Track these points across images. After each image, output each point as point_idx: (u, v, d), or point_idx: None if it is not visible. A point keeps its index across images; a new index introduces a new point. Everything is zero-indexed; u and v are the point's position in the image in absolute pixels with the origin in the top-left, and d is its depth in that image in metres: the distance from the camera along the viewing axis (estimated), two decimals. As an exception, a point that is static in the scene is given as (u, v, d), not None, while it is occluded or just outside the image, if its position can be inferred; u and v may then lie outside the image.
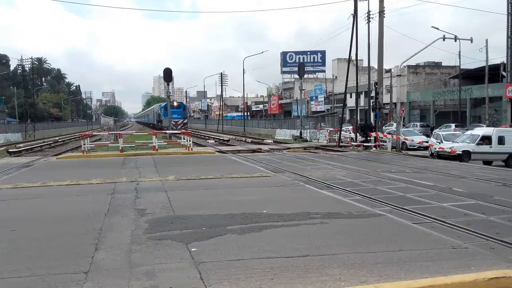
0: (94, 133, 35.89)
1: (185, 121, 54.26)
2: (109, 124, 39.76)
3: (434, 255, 5.33)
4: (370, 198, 9.80)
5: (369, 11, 31.38)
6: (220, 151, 23.11)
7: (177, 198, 9.22)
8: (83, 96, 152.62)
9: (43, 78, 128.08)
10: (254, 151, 25.98)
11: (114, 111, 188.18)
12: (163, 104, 61.44)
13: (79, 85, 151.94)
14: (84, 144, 22.16)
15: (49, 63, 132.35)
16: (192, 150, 22.56)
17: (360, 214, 7.61)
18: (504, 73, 43.08)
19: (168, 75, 28.72)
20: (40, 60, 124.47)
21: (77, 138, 44.95)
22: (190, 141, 23.14)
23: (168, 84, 32.30)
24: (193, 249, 5.53)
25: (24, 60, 72.28)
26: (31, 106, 74.37)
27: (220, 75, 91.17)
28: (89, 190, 10.59)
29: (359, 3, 29.68)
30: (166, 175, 12.79)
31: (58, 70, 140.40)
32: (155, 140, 22.55)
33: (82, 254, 5.45)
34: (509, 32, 41.47)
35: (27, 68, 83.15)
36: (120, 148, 21.78)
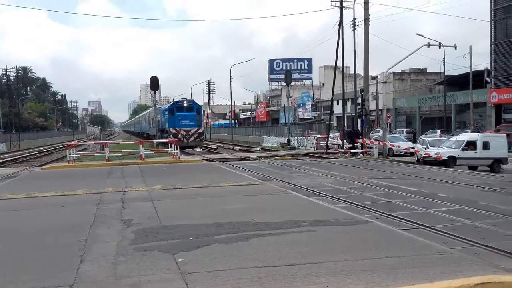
0: (80, 143, 35.60)
1: (200, 130, 37.58)
2: (95, 134, 39.46)
3: (421, 261, 5.36)
4: (357, 205, 9.84)
5: (354, 19, 31.76)
6: (207, 160, 23.04)
7: (163, 208, 9.14)
8: (69, 105, 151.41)
9: (28, 88, 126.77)
10: (242, 159, 25.96)
11: (100, 120, 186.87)
12: (166, 106, 44.58)
13: (64, 94, 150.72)
14: (70, 154, 21.92)
15: (34, 72, 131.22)
16: (179, 158, 22.45)
17: (347, 221, 7.63)
18: (488, 79, 43.82)
19: (154, 83, 28.67)
20: (25, 69, 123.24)
21: (62, 148, 44.47)
22: (177, 149, 23.04)
23: (154, 93, 32.97)
24: (179, 260, 5.48)
25: (9, 70, 71.57)
26: (16, 116, 73.53)
27: (207, 83, 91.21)
28: (75, 200, 10.46)
29: (344, 11, 30.05)
30: (152, 184, 12.70)
31: (44, 79, 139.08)
32: (141, 149, 22.39)
33: (67, 266, 5.37)
34: (492, 39, 42.25)
35: (11, 78, 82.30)
36: (106, 158, 21.58)
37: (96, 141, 29.07)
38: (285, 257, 5.53)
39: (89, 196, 11.05)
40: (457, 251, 5.91)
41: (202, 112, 44.08)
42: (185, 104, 37.83)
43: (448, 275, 4.75)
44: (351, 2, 30.53)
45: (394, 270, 4.99)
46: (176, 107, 37.39)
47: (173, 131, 35.22)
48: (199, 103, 45.53)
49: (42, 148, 47.79)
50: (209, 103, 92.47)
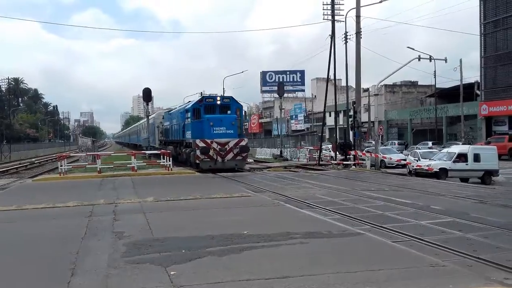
0: (71, 154, 35.35)
1: (243, 143, 23.55)
2: (87, 145, 38.93)
3: (413, 273, 5.37)
4: (349, 216, 9.85)
5: (346, 32, 32.09)
6: (200, 171, 22.97)
7: (156, 220, 9.10)
8: (61, 116, 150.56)
9: (20, 99, 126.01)
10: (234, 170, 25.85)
11: (92, 131, 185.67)
12: (186, 105, 27.71)
13: (56, 105, 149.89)
14: (61, 166, 21.77)
15: (25, 83, 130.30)
16: (172, 170, 22.38)
17: (340, 234, 7.64)
18: (478, 92, 44.33)
19: (147, 95, 28.63)
20: (16, 80, 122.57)
21: (54, 159, 44.17)
22: (170, 161, 22.98)
23: (147, 104, 31.97)
24: (172, 273, 5.45)
25: (1, 81, 71.26)
26: (7, 127, 73.07)
27: (200, 94, 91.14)
28: (66, 213, 10.38)
29: (336, 24, 30.35)
30: (145, 196, 12.64)
31: (35, 90, 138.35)
32: (134, 161, 22.30)
33: (58, 279, 5.32)
34: (482, 52, 42.85)
35: (3, 89, 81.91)
36: (98, 169, 21.46)
37: (88, 153, 28.91)
38: (278, 269, 5.52)
39: (80, 208, 10.97)
40: (449, 263, 5.94)
41: (243, 114, 30.34)
42: (219, 102, 24.46)
43: (441, 287, 4.77)
44: (343, 16, 30.92)
45: (386, 283, 5.00)
46: (205, 107, 24.06)
47: (202, 144, 22.39)
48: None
49: (33, 160, 47.44)
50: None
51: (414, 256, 6.23)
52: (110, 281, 5.23)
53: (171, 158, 23.38)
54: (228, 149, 22.86)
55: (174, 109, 31.84)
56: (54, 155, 55.30)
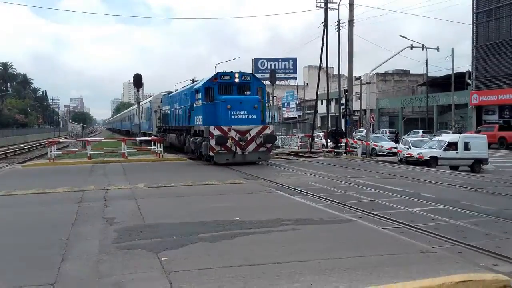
0: (61, 140, 35.06)
1: (267, 131, 19.17)
2: (77, 131, 38.42)
3: (404, 259, 5.41)
4: (341, 203, 9.89)
5: (339, 20, 31.91)
6: (191, 158, 22.91)
7: (147, 206, 9.06)
8: (50, 102, 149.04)
9: (9, 84, 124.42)
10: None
11: (82, 117, 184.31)
12: (196, 84, 21.85)
13: (45, 91, 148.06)
14: (51, 151, 21.59)
15: (14, 68, 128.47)
16: (163, 157, 22.30)
17: (331, 220, 7.67)
18: (469, 81, 44.58)
19: (138, 81, 28.33)
20: (5, 65, 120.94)
21: (43, 145, 43.77)
22: (161, 147, 22.88)
23: (138, 90, 31.58)
24: (163, 258, 5.44)
25: (-11, 65, 70.09)
26: (-4, 112, 72.06)
27: (191, 81, 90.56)
28: (56, 198, 10.30)
29: (329, 12, 30.18)
30: (136, 182, 12.58)
31: (24, 75, 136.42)
32: (124, 147, 22.16)
33: (48, 265, 5.28)
34: (474, 41, 42.99)
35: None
36: (88, 155, 21.31)
37: (78, 139, 28.67)
38: (269, 255, 5.53)
39: (70, 194, 10.89)
40: (439, 249, 5.99)
41: (266, 96, 24.94)
42: (237, 80, 19.67)
43: (431, 273, 4.81)
44: (336, 3, 30.74)
45: (377, 268, 5.03)
46: (220, 85, 19.51)
47: (217, 132, 18.24)
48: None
49: (22, 145, 46.99)
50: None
51: (405, 242, 6.27)
52: (101, 267, 5.20)
53: (162, 144, 23.28)
54: (249, 138, 18.58)
55: (176, 91, 26.93)
56: (43, 141, 54.81)
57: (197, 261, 5.35)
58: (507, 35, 39.42)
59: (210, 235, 6.55)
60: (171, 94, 27.91)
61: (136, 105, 36.06)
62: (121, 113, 75.61)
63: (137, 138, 28.64)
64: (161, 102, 30.80)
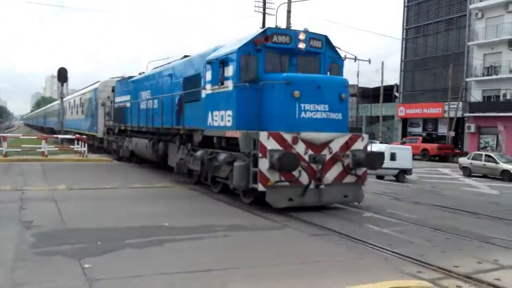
0: (-28, 135, 32.23)
1: (359, 144, 10.05)
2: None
3: (333, 266, 5.51)
4: (274, 209, 9.88)
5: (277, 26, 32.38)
6: (118, 159, 22.00)
7: (68, 209, 8.51)
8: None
9: None
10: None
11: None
12: (218, 52, 10.79)
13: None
14: (-40, 147, 19.75)
15: None
16: (87, 157, 21.21)
17: (263, 227, 7.67)
18: (397, 94, 47.18)
19: (62, 75, 26.82)
20: None
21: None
22: (85, 147, 21.76)
23: (62, 85, 29.83)
24: (86, 265, 5.10)
25: None
26: None
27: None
28: (-36, 199, 9.38)
29: (268, 18, 30.54)
30: (56, 184, 11.81)
31: None
32: (44, 145, 20.80)
33: (-47, 273, 4.74)
34: (403, 56, 45.72)
35: None
36: (4, 153, 19.77)
37: (-8, 134, 26.50)
38: (200, 262, 5.39)
39: (-19, 194, 9.98)
40: (367, 257, 6.16)
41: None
42: (302, 46, 10.33)
43: (359, 281, 4.92)
44: (274, 9, 31.19)
45: (308, 275, 5.07)
46: (269, 53, 10.23)
47: (274, 146, 9.04)
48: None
49: None
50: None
51: (334, 250, 6.40)
52: (17, 274, 4.78)
53: (86, 144, 22.17)
54: (329, 157, 9.70)
55: (145, 74, 17.94)
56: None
57: (124, 268, 5.08)
58: (433, 51, 42.17)
59: (137, 241, 6.27)
60: (134, 79, 18.76)
61: (69, 96, 32.67)
62: (46, 107, 66.66)
63: (59, 136, 27.09)
64: (113, 91, 21.62)
